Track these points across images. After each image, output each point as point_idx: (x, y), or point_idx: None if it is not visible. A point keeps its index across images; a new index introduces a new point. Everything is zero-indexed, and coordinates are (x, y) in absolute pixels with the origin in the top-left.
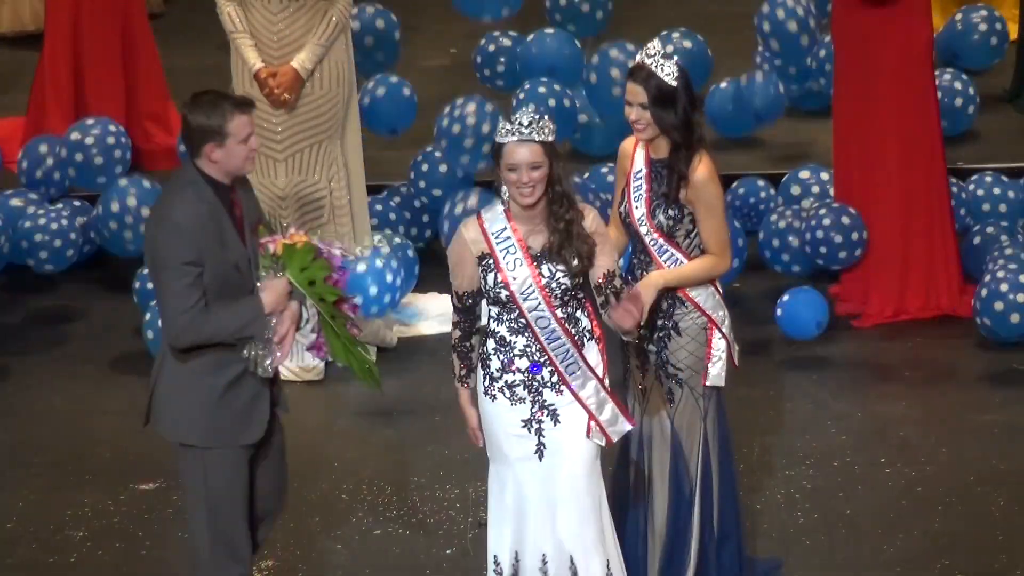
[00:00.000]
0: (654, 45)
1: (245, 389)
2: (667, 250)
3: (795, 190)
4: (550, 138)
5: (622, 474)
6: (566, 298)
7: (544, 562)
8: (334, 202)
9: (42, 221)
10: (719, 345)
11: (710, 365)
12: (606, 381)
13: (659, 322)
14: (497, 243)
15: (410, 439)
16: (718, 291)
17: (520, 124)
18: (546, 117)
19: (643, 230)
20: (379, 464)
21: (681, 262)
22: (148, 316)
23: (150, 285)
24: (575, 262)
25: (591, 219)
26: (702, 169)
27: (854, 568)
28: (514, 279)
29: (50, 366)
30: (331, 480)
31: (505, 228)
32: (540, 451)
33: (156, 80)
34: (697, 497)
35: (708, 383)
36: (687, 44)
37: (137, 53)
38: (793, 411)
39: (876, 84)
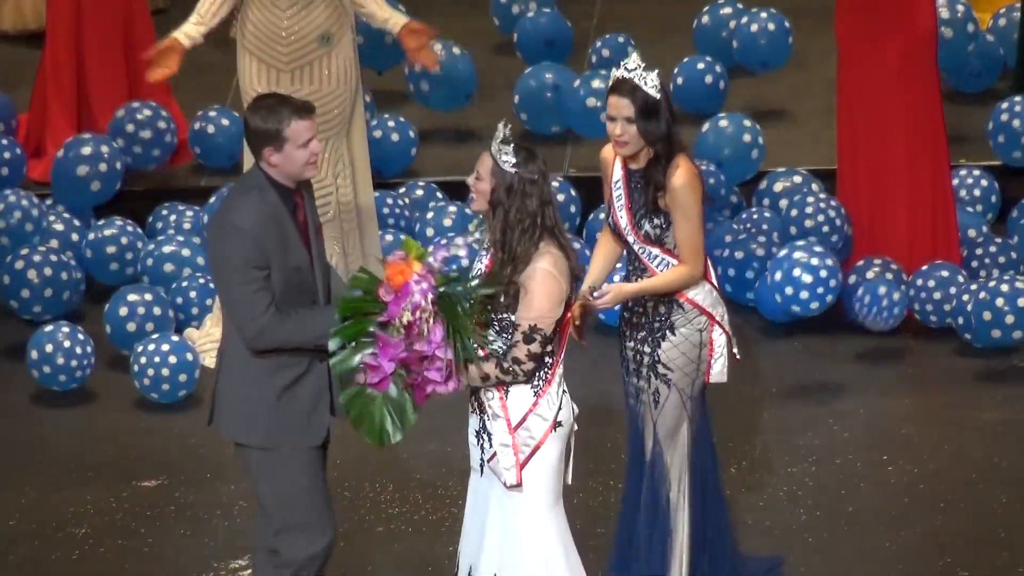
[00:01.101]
0: (634, 59)
1: (304, 393)
2: (658, 256)
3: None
4: (499, 158)
5: (634, 472)
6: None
7: (470, 574)
8: (340, 199)
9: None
10: (720, 341)
11: (712, 362)
12: (526, 429)
13: (655, 324)
14: (484, 247)
15: (412, 436)
16: (715, 288)
17: (496, 135)
18: (514, 147)
19: (631, 240)
20: (381, 461)
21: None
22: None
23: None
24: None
25: (531, 272)
26: (680, 174)
27: (856, 565)
28: None
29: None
30: (333, 477)
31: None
32: (481, 466)
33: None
34: (686, 500)
35: (712, 380)
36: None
37: (139, 49)
38: (795, 408)
39: (879, 77)
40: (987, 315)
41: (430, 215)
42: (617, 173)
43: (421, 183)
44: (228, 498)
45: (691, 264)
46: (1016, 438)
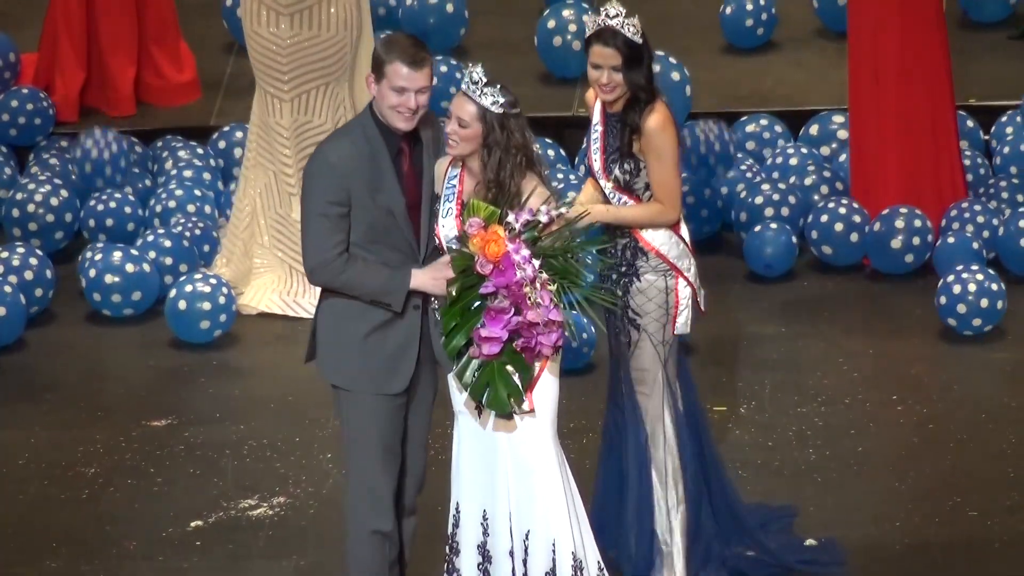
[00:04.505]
0: (613, 6)
1: (391, 338)
2: (626, 203)
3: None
4: (483, 101)
5: (608, 418)
6: None
7: (485, 517)
8: None
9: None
10: (685, 293)
11: (678, 314)
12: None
13: (622, 268)
14: (445, 187)
15: None
16: (683, 239)
17: (470, 79)
18: (500, 87)
19: (602, 183)
20: None
21: None
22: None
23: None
24: None
25: (532, 200)
26: (655, 118)
27: (866, 506)
28: (443, 226)
29: (63, 303)
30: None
31: (455, 176)
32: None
33: (168, 16)
34: (663, 444)
35: (676, 332)
36: None
37: None
38: (804, 349)
39: (882, 15)
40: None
41: None
42: (597, 116)
43: None
44: (238, 438)
45: (667, 204)
46: None
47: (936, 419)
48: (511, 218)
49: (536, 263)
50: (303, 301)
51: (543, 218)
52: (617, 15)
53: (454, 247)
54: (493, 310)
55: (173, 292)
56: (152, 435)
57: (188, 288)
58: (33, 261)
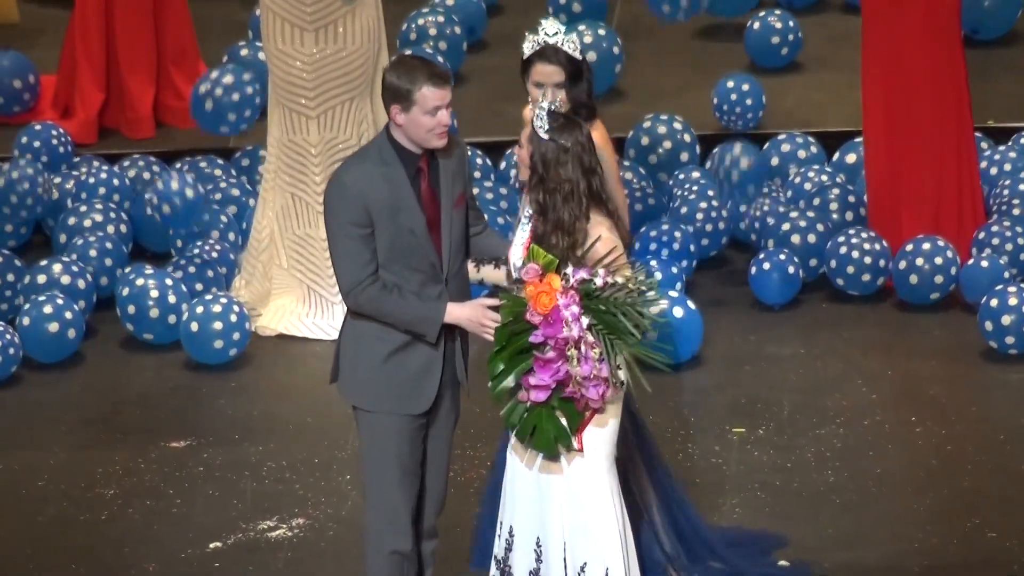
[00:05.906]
0: (551, 24)
1: (412, 358)
2: None
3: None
4: (535, 124)
5: None
6: None
7: (538, 544)
8: None
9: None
10: None
11: None
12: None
13: None
14: (523, 213)
15: None
16: None
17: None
18: (551, 113)
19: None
20: None
21: None
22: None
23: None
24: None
25: (595, 246)
26: (597, 136)
27: (884, 527)
28: (513, 252)
29: (92, 321)
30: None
31: None
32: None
33: (187, 37)
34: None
35: None
36: None
37: (168, 11)
38: (823, 370)
39: (903, 37)
40: None
41: None
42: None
43: None
44: (256, 459)
45: None
46: None
47: (954, 440)
48: (569, 271)
49: (585, 321)
50: (322, 323)
51: (598, 281)
52: (556, 32)
53: (515, 285)
54: (542, 359)
55: (186, 315)
56: (171, 456)
57: (199, 309)
58: (75, 269)
